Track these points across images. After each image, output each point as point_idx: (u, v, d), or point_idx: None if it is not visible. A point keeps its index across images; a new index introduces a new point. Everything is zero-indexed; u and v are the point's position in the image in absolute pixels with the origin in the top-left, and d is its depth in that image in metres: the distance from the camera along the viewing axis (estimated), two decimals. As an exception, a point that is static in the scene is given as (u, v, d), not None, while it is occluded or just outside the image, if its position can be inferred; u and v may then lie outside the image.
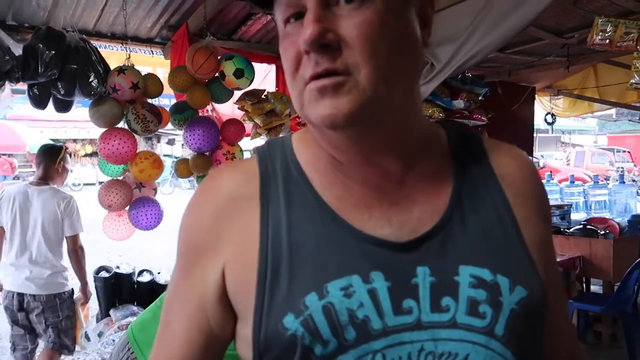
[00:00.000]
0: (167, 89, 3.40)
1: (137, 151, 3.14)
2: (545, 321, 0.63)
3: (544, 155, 16.42)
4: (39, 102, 3.00)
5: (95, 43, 3.20)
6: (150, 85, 3.11)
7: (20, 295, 2.95)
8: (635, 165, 16.80)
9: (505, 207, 0.64)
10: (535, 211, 0.66)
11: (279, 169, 0.65)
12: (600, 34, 2.75)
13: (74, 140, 18.69)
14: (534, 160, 9.22)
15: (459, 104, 3.40)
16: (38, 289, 2.96)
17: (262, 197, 0.63)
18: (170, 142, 18.13)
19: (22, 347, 3.07)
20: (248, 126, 3.68)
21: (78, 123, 15.78)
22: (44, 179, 3.08)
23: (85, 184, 15.74)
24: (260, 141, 3.49)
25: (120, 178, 3.33)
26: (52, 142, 3.47)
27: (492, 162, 0.67)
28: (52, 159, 3.10)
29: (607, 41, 2.76)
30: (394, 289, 0.56)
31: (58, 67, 2.79)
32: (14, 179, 14.52)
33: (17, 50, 2.84)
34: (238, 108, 3.77)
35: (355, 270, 0.57)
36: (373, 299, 0.56)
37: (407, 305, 0.56)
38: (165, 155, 15.03)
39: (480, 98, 3.57)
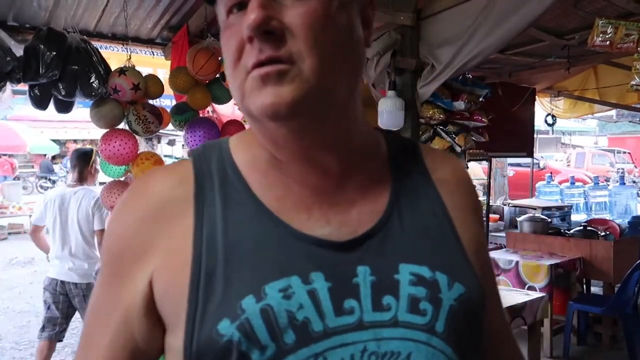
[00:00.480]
0: (168, 90, 3.40)
1: (138, 152, 3.15)
2: (484, 320, 0.63)
3: (544, 156, 16.41)
4: (40, 103, 3.00)
5: (96, 44, 3.20)
6: (151, 86, 3.11)
7: (63, 283, 3.36)
8: (635, 167, 16.78)
9: (441, 208, 0.65)
10: (469, 213, 0.68)
11: (215, 170, 0.63)
12: (601, 35, 2.75)
13: (74, 141, 18.69)
14: (535, 161, 9.22)
15: (460, 105, 3.40)
16: (80, 278, 3.37)
17: (196, 199, 0.60)
18: (171, 143, 18.12)
19: (50, 328, 3.39)
20: (249, 127, 3.68)
21: (78, 124, 15.79)
22: (79, 181, 3.51)
23: (85, 185, 15.73)
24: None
25: (122, 179, 3.34)
26: (84, 148, 3.83)
27: (428, 167, 0.69)
28: (85, 162, 3.52)
29: (608, 43, 2.76)
30: (334, 290, 0.55)
31: (59, 68, 2.79)
32: (14, 179, 14.52)
33: (18, 51, 2.84)
34: (238, 109, 3.77)
35: (294, 271, 0.55)
36: (313, 300, 0.54)
37: (349, 306, 0.55)
38: (165, 156, 15.04)
39: (480, 99, 3.57)
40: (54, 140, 16.80)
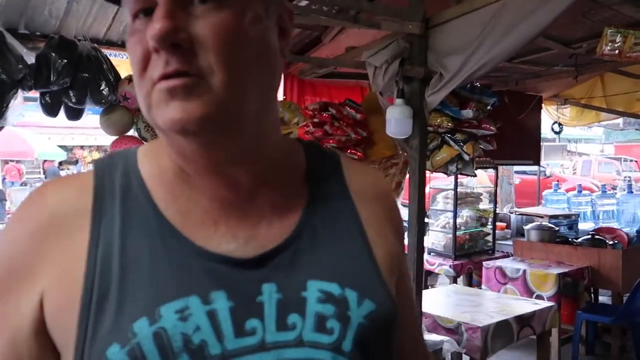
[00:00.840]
0: (177, 98, 3.43)
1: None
2: (398, 335, 0.62)
3: (550, 164, 16.36)
4: (51, 110, 3.03)
5: (106, 51, 3.23)
6: (160, 93, 3.14)
7: None
8: (642, 175, 16.67)
9: (356, 223, 0.63)
10: (387, 228, 0.66)
11: (118, 182, 0.59)
12: (610, 44, 2.75)
13: (81, 147, 18.81)
14: (541, 169, 9.19)
15: (468, 113, 3.40)
16: None
17: (93, 214, 0.56)
18: (177, 149, 18.21)
19: None
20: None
21: (85, 130, 15.88)
22: None
23: (91, 191, 15.76)
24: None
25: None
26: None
27: (346, 180, 0.67)
28: None
29: (617, 52, 2.76)
30: (236, 309, 0.53)
31: (70, 76, 2.82)
32: (21, 185, 14.60)
33: (30, 58, 2.88)
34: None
35: (193, 291, 0.52)
36: (212, 322, 0.51)
37: (251, 326, 0.52)
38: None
39: (488, 107, 3.57)
40: (61, 147, 16.90)
